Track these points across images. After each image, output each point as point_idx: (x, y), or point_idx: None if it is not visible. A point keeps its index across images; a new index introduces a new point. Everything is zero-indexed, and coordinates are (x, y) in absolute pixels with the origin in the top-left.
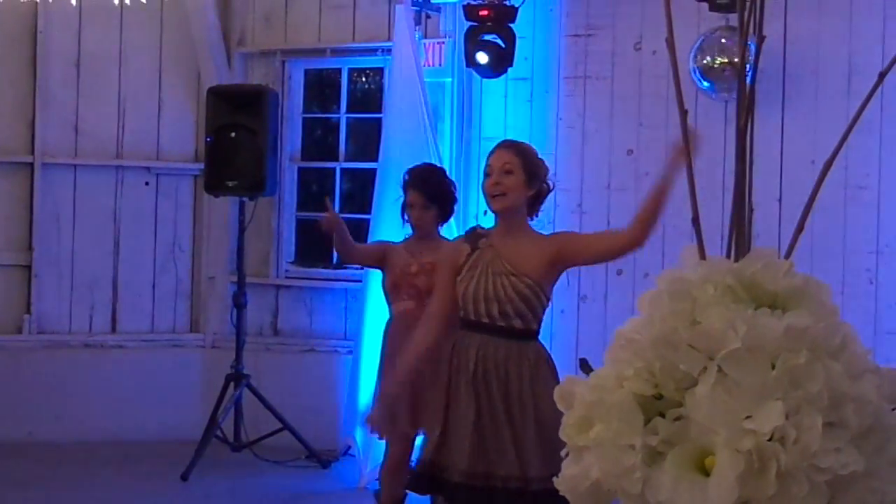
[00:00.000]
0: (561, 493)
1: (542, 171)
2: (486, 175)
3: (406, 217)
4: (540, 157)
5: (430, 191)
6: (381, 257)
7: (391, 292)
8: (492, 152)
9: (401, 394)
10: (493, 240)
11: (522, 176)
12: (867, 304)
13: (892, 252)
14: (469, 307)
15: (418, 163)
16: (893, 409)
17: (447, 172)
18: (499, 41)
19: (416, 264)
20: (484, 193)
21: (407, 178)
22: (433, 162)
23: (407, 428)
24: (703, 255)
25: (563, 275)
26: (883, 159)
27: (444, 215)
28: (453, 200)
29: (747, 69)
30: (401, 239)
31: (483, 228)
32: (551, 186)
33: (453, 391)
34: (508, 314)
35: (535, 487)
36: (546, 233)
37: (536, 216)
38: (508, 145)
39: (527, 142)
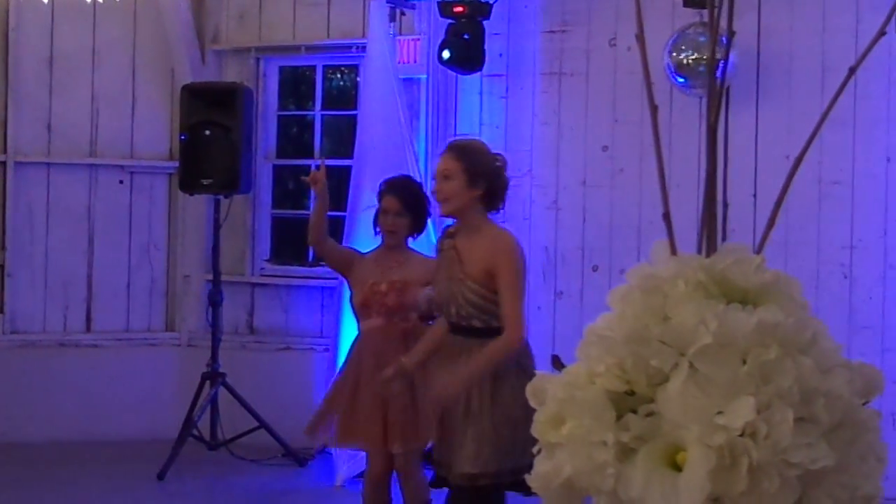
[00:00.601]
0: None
1: (489, 168)
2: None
3: (378, 225)
4: (490, 152)
5: (408, 198)
6: (347, 265)
7: (360, 310)
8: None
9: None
10: (457, 240)
11: (463, 178)
12: (841, 299)
13: (866, 247)
14: (444, 308)
15: (395, 172)
16: (864, 404)
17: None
18: (468, 38)
19: (386, 283)
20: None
21: (384, 185)
22: (408, 159)
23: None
24: (674, 251)
25: (539, 271)
26: (857, 155)
27: (417, 227)
28: (427, 214)
29: (718, 65)
30: (374, 243)
31: (455, 227)
32: (508, 179)
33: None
34: (465, 315)
35: (482, 483)
36: (508, 232)
37: (500, 210)
38: (449, 148)
39: (476, 138)
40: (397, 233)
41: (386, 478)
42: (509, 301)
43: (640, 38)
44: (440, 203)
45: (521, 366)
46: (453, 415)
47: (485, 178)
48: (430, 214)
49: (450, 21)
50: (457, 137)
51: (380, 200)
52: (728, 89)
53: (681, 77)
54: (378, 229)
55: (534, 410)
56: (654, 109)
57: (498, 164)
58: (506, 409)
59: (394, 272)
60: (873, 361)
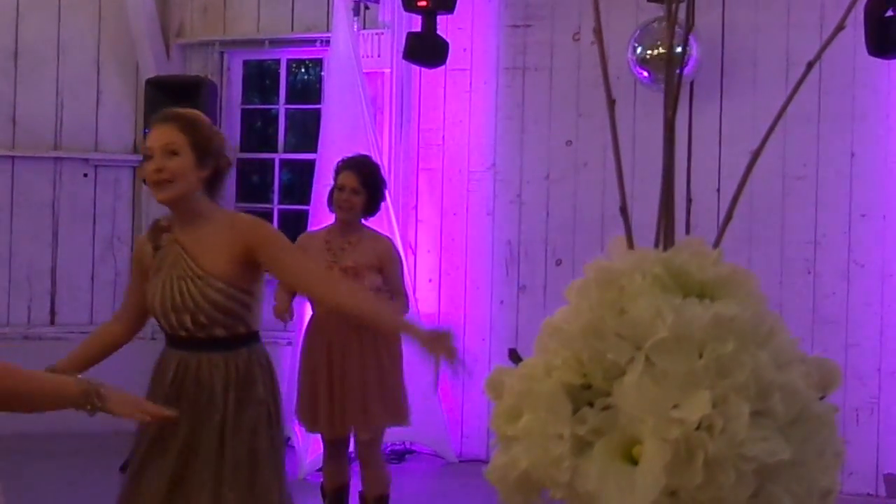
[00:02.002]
0: None
1: (216, 144)
2: (147, 158)
3: (332, 204)
4: (213, 127)
5: (365, 175)
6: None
7: None
8: (150, 129)
9: None
10: (177, 233)
11: (191, 156)
12: (805, 294)
13: (830, 242)
14: (161, 320)
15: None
16: (821, 398)
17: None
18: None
19: (338, 268)
20: (144, 181)
21: (340, 162)
22: (372, 153)
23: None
24: (631, 245)
25: (502, 265)
26: (820, 150)
27: (372, 206)
28: (382, 195)
29: (678, 57)
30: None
31: (167, 218)
32: (231, 161)
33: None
34: (204, 324)
35: None
36: (235, 215)
37: (219, 198)
38: (171, 118)
39: (195, 111)
40: (353, 209)
41: (339, 455)
42: (306, 263)
43: (598, 31)
44: (160, 185)
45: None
46: (198, 452)
47: (212, 157)
48: (384, 197)
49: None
50: (172, 108)
51: (336, 177)
52: (692, 85)
53: (644, 71)
54: (332, 207)
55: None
56: (611, 104)
57: (221, 142)
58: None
59: (346, 255)
60: (837, 357)
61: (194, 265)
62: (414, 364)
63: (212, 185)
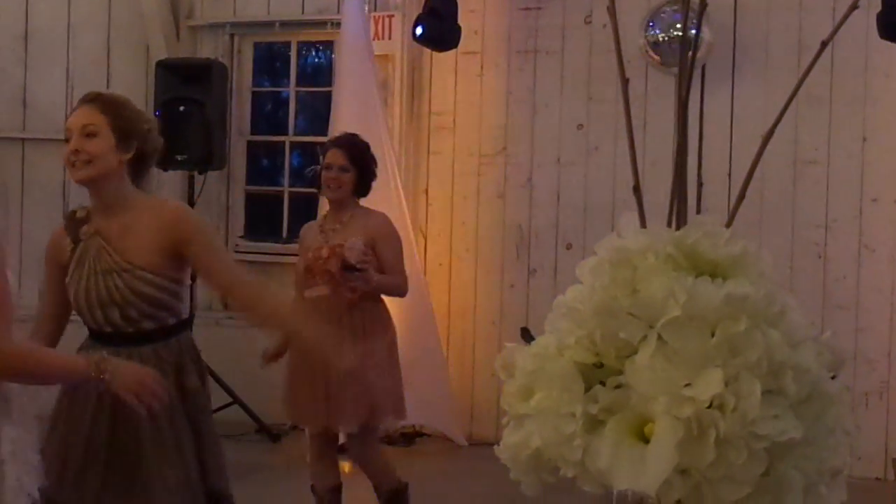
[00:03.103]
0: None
1: (141, 128)
2: (66, 139)
3: (319, 184)
4: (139, 111)
5: (353, 152)
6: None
7: (304, 277)
8: (72, 111)
9: None
10: (97, 224)
11: (111, 138)
12: (816, 279)
13: (841, 227)
14: (86, 316)
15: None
16: (833, 377)
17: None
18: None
19: (327, 248)
20: (65, 163)
21: (327, 141)
22: (382, 136)
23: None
24: (643, 224)
25: (513, 249)
26: (832, 134)
27: (362, 185)
28: (372, 174)
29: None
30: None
31: (83, 209)
32: (158, 147)
33: (76, 424)
34: (134, 318)
35: None
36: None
37: (146, 185)
38: (92, 99)
39: (121, 95)
40: (342, 187)
41: (327, 455)
42: (226, 263)
43: (611, 9)
44: (78, 167)
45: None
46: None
47: (135, 139)
48: (374, 176)
49: None
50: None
51: (323, 157)
52: (704, 68)
53: (656, 55)
54: (321, 190)
55: None
56: (625, 82)
57: (148, 126)
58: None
59: (337, 234)
60: (847, 341)
61: (119, 258)
62: (421, 350)
63: (137, 170)
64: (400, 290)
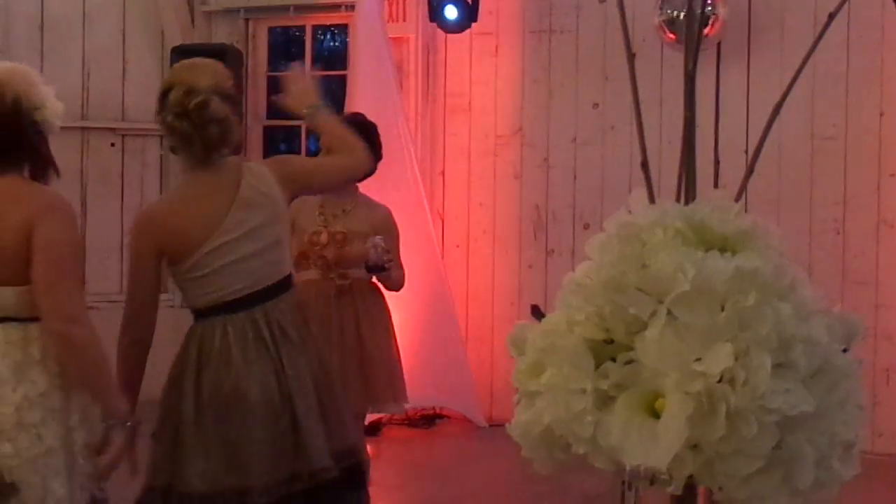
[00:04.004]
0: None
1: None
2: None
3: None
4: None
5: (358, 132)
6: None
7: (298, 260)
8: None
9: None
10: None
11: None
12: (834, 255)
13: (859, 202)
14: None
15: (385, 131)
16: (844, 351)
17: (373, 127)
18: None
19: (326, 233)
20: None
21: None
22: (398, 119)
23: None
24: (652, 200)
25: (530, 229)
26: (849, 110)
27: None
28: (378, 154)
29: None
30: None
31: None
32: (169, 121)
33: None
34: None
35: None
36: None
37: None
38: None
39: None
40: None
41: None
42: None
43: None
44: None
45: None
46: None
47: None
48: (380, 157)
49: None
50: None
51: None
52: (719, 45)
53: (671, 33)
54: None
55: None
56: (631, 57)
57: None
58: None
59: (338, 221)
60: (866, 317)
61: None
62: (439, 331)
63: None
64: (401, 284)
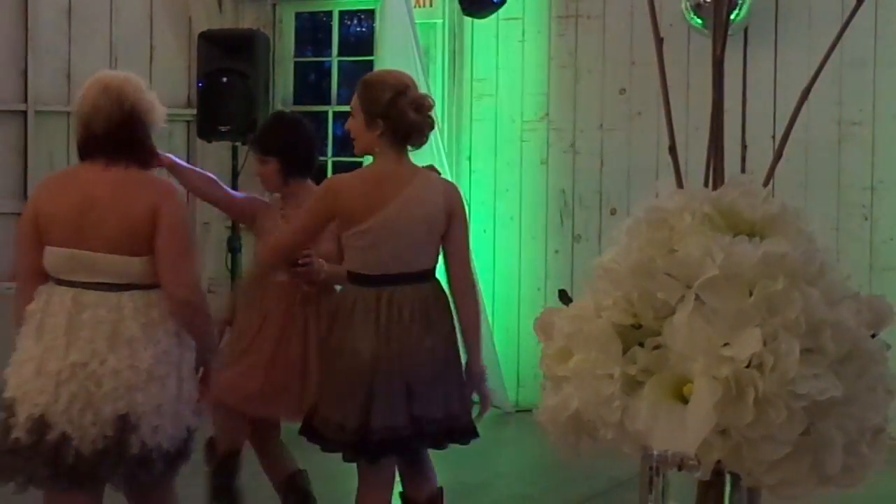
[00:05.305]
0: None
1: (380, 106)
2: None
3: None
4: (382, 88)
5: (264, 144)
6: (251, 216)
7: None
8: None
9: None
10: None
11: (361, 117)
12: (862, 241)
13: (887, 188)
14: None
15: None
16: (873, 336)
17: (300, 122)
18: None
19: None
20: None
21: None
22: None
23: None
24: (680, 185)
25: (557, 214)
26: (877, 95)
27: (292, 167)
28: (302, 151)
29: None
30: None
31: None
32: (411, 115)
33: None
34: None
35: None
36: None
37: (418, 146)
38: (358, 83)
39: (384, 70)
40: (267, 183)
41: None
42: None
43: None
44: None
45: None
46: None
47: (379, 116)
48: (308, 149)
49: None
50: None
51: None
52: (746, 31)
53: (698, 19)
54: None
55: None
56: (659, 41)
57: (391, 98)
58: None
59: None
60: (895, 303)
61: None
62: None
63: (398, 139)
64: None
